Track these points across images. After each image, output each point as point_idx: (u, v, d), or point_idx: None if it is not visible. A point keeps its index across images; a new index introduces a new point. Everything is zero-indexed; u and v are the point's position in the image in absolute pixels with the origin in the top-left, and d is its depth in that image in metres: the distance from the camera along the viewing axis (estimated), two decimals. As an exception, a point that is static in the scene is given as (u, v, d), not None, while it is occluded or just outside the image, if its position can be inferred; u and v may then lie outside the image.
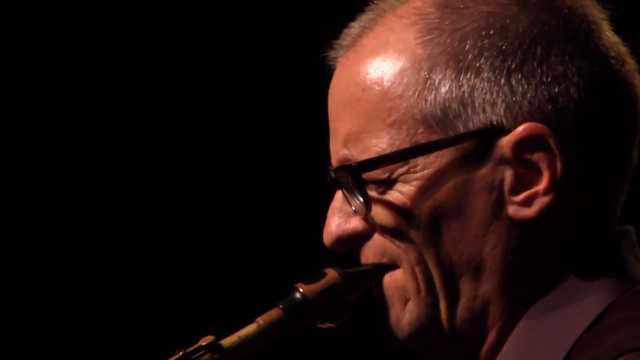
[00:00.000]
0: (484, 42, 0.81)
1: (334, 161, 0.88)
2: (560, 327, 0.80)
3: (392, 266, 0.86)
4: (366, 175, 0.84)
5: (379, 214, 0.84)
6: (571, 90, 0.80)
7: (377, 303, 0.89)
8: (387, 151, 0.83)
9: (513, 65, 0.80)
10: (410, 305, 0.85)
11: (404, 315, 0.86)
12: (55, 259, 2.67)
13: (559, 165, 0.80)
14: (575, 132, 0.81)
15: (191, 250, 2.74)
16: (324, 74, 0.95)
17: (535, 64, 0.80)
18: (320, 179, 0.95)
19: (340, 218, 0.88)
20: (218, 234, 2.79)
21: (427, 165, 0.82)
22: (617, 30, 0.86)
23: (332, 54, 0.90)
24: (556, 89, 0.80)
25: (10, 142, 2.92)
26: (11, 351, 2.62)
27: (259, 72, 2.98)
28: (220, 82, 2.98)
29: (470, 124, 0.81)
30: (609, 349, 0.75)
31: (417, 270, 0.84)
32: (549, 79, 0.80)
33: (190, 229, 2.68)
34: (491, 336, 0.84)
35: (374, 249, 0.86)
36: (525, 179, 0.81)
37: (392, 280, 0.86)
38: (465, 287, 0.83)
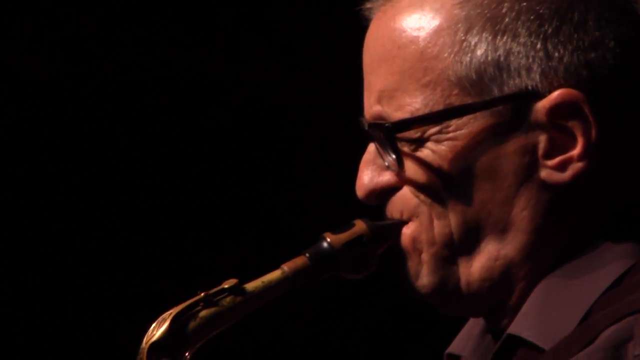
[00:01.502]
0: (522, 5, 0.81)
1: (367, 115, 0.89)
2: (581, 287, 0.80)
3: (413, 216, 0.87)
4: (399, 134, 0.85)
5: (411, 170, 0.85)
6: (607, 56, 0.80)
7: (398, 256, 0.89)
8: (421, 112, 0.83)
9: (550, 30, 0.80)
10: (425, 257, 0.86)
11: (420, 267, 0.86)
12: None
13: (593, 131, 0.80)
14: (609, 99, 0.81)
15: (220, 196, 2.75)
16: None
17: (572, 29, 0.80)
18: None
19: (373, 171, 0.89)
20: (251, 182, 2.79)
21: (460, 127, 0.82)
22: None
23: (367, 4, 0.90)
24: (592, 55, 0.80)
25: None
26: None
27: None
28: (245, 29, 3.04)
29: (505, 88, 0.81)
30: (629, 303, 0.76)
31: (436, 223, 0.84)
32: (585, 45, 0.80)
33: (220, 173, 2.70)
34: (512, 297, 0.84)
35: (403, 204, 0.87)
36: (559, 144, 0.81)
37: (408, 231, 0.86)
38: (488, 247, 0.83)
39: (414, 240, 0.86)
